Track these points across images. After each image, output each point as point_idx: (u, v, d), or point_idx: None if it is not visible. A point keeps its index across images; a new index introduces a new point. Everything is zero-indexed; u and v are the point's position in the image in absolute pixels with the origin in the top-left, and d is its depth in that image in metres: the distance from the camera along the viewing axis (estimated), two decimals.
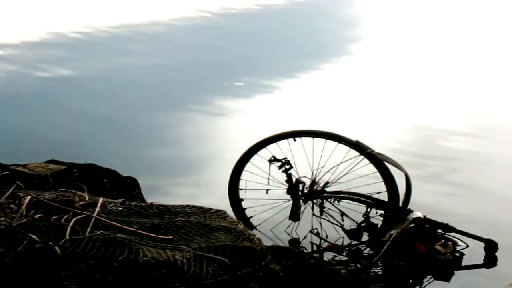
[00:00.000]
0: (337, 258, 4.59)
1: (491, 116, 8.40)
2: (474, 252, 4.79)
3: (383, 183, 4.93)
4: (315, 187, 4.98)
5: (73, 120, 7.30)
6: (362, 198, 4.93)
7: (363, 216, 4.86)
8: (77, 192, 4.12)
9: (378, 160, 4.95)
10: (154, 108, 7.86)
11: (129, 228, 3.66)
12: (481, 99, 9.21)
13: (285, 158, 4.99)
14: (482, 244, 4.83)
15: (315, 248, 4.76)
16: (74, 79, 8.87)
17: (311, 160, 4.93)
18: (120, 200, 4.17)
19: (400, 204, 4.86)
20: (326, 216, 4.92)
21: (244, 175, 5.07)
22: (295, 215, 4.94)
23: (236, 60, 10.48)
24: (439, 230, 4.79)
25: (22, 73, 9.05)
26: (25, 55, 9.96)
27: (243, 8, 14.56)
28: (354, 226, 4.85)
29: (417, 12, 15.68)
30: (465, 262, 4.74)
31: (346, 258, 4.60)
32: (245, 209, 5.09)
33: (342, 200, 4.94)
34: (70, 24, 11.77)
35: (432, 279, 4.55)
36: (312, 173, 4.97)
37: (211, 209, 4.07)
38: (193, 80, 9.16)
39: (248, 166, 5.08)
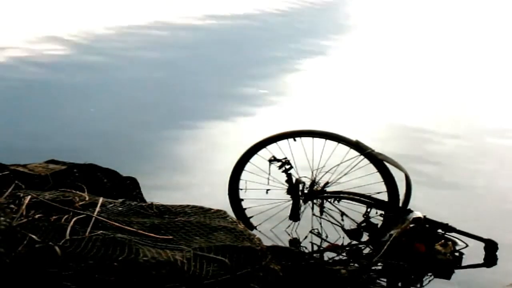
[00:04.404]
0: (337, 258, 4.60)
1: (479, 117, 8.44)
2: (474, 252, 4.80)
3: (383, 183, 4.93)
4: (315, 187, 4.98)
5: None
6: (362, 198, 4.92)
7: (363, 216, 4.86)
8: (77, 192, 4.12)
9: (378, 160, 4.95)
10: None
11: (129, 228, 3.66)
12: (469, 100, 9.24)
13: (285, 158, 4.99)
14: (482, 244, 4.84)
15: (315, 248, 4.76)
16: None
17: (311, 160, 4.93)
18: (120, 200, 4.17)
19: (400, 204, 4.86)
20: (326, 216, 4.92)
21: (244, 175, 5.07)
22: (295, 215, 4.94)
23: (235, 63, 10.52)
24: (439, 230, 4.80)
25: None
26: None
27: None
28: (354, 226, 4.85)
29: (409, 13, 15.72)
30: (465, 262, 4.74)
31: (346, 258, 4.60)
32: (245, 209, 5.09)
33: (342, 200, 4.94)
34: (68, 27, 11.78)
35: (432, 278, 4.55)
36: (312, 173, 4.97)
37: (211, 209, 4.07)
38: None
39: (248, 166, 5.08)
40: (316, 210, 4.96)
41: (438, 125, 7.97)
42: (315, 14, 14.99)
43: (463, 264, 4.74)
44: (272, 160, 4.98)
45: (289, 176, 4.99)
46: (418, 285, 4.53)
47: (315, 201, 4.98)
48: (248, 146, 5.11)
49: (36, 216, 3.59)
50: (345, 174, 4.94)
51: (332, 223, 4.89)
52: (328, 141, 5.03)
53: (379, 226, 4.85)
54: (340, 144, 5.03)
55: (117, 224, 3.67)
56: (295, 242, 4.90)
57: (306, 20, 14.21)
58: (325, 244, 4.77)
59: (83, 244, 3.40)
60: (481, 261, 4.80)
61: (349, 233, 4.83)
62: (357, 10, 15.83)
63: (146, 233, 3.63)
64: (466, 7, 16.81)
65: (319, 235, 4.84)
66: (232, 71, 9.87)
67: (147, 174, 5.81)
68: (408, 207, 4.83)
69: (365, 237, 4.83)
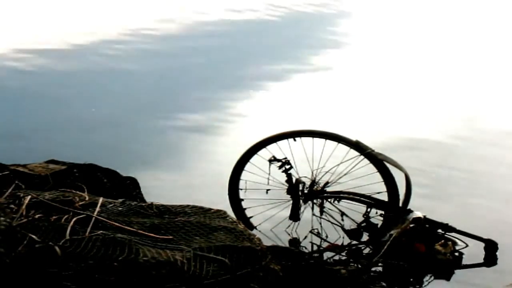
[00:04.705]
0: (337, 258, 4.60)
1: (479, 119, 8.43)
2: (474, 252, 4.80)
3: (383, 183, 4.92)
4: (315, 187, 4.98)
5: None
6: (362, 198, 4.92)
7: (363, 216, 4.86)
8: (77, 192, 4.12)
9: (378, 160, 4.94)
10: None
11: (129, 228, 3.66)
12: (467, 101, 9.24)
13: (285, 158, 4.99)
14: (482, 244, 4.84)
15: (315, 248, 4.76)
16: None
17: (311, 160, 4.93)
18: (120, 200, 4.17)
19: (400, 204, 4.86)
20: (326, 216, 4.92)
21: (244, 175, 5.07)
22: (295, 215, 4.94)
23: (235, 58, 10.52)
24: (439, 230, 4.80)
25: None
26: None
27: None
28: (354, 226, 4.85)
29: (406, 18, 15.70)
30: (465, 262, 4.74)
31: (346, 258, 4.60)
32: (245, 209, 5.09)
33: (342, 200, 4.94)
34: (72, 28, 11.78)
35: (432, 278, 4.55)
36: (312, 173, 4.97)
37: (211, 209, 4.07)
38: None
39: (248, 166, 5.08)
40: (316, 210, 4.96)
41: (438, 127, 7.95)
42: (314, 19, 15.00)
43: (463, 264, 4.74)
44: (272, 160, 4.98)
45: (289, 176, 4.99)
46: (418, 285, 4.53)
47: (315, 201, 4.98)
48: (247, 146, 5.11)
49: (36, 216, 3.59)
50: (345, 174, 4.94)
51: (332, 223, 4.89)
52: (328, 141, 5.03)
53: (379, 226, 4.85)
54: (340, 144, 5.02)
55: (117, 224, 3.67)
56: (295, 242, 4.90)
57: (304, 26, 14.20)
58: (325, 244, 4.77)
59: (83, 244, 3.40)
60: (481, 261, 4.80)
61: (349, 233, 4.83)
62: (355, 14, 15.83)
63: (146, 233, 3.63)
64: (465, 10, 16.84)
65: (319, 235, 4.84)
66: (231, 71, 9.87)
67: (147, 174, 5.81)
68: (408, 207, 4.84)
69: (365, 237, 4.83)
